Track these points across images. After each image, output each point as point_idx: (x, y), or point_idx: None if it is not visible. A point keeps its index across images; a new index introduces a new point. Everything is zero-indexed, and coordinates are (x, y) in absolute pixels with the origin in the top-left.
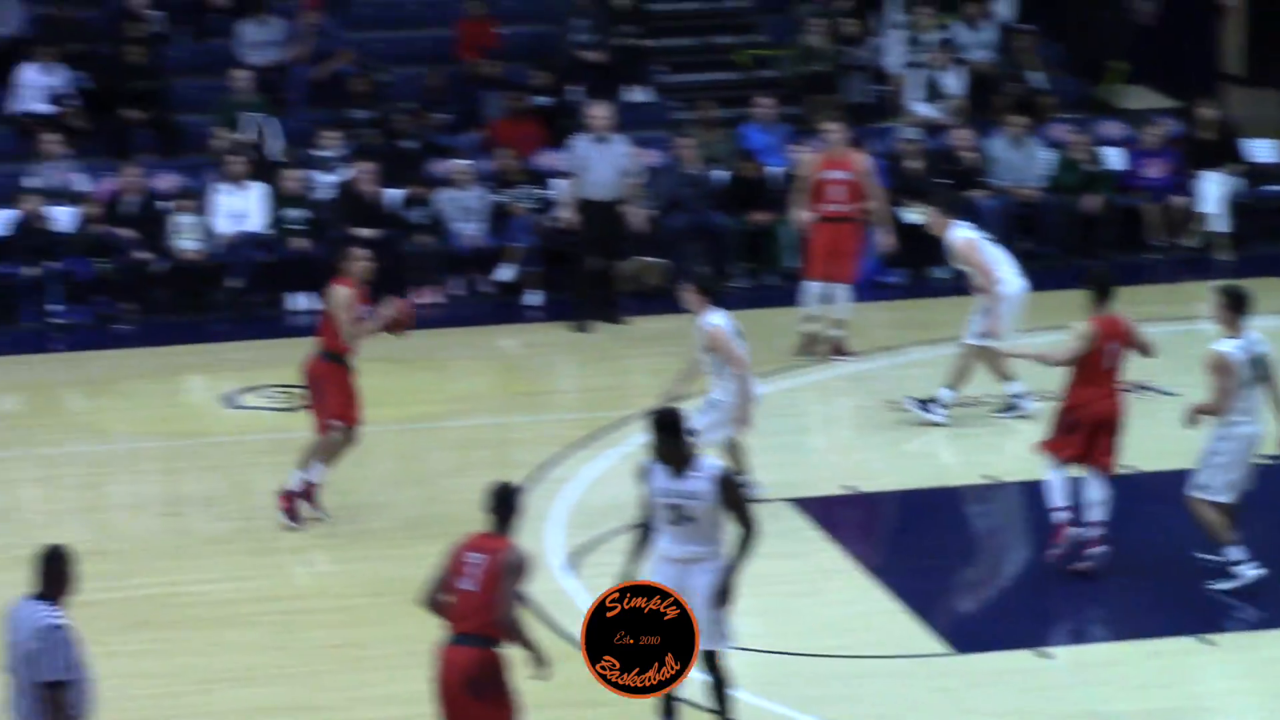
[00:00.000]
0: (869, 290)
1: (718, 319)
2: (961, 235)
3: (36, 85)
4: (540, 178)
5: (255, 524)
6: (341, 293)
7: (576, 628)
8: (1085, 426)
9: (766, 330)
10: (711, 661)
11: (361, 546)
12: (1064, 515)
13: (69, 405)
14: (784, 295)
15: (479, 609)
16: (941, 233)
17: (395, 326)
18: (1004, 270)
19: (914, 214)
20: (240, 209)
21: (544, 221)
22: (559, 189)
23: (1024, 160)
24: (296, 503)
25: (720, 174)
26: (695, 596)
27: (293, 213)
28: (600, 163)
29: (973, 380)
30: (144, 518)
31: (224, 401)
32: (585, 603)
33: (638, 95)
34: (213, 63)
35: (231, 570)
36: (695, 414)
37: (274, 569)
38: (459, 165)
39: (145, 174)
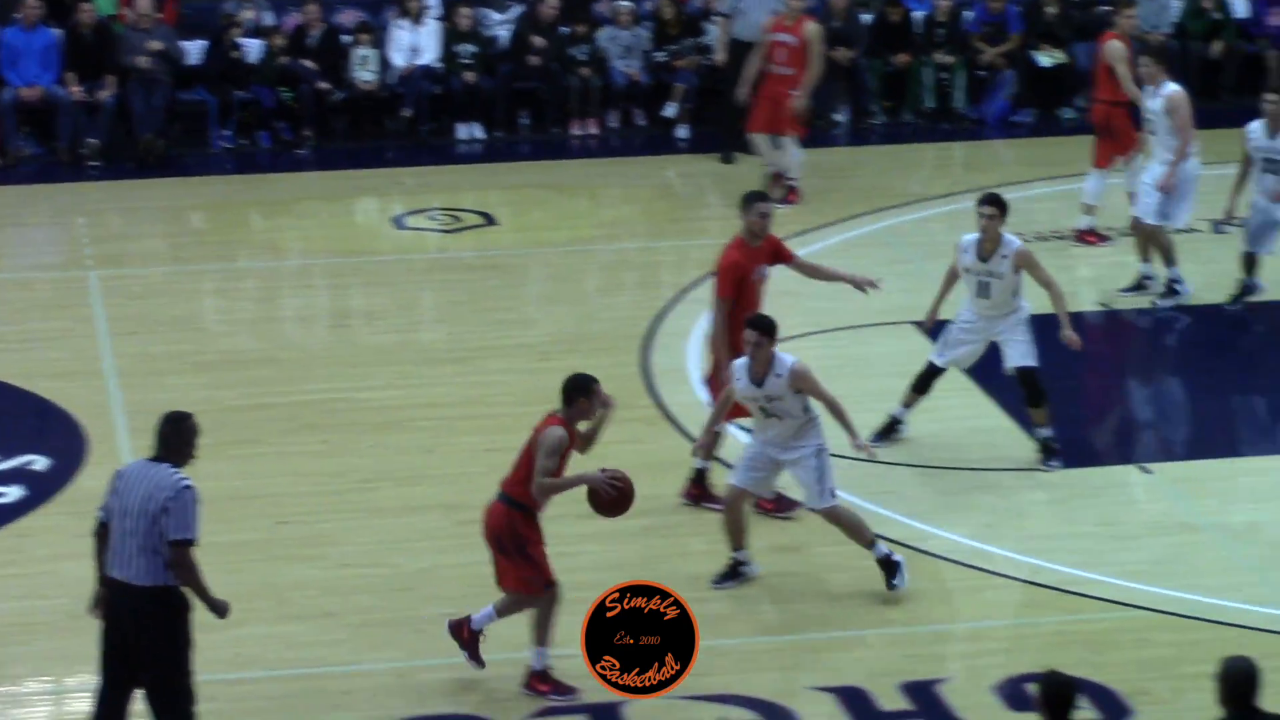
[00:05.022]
0: (1000, 129)
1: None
2: None
3: None
4: (696, 22)
5: (414, 336)
6: (552, 434)
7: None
8: None
9: (903, 164)
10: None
11: (513, 359)
12: None
13: (249, 224)
14: (920, 132)
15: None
16: None
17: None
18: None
19: (1046, 57)
20: (415, 44)
21: (699, 61)
22: (714, 31)
23: (1156, 7)
24: (541, 684)
25: (866, 18)
26: None
27: (464, 48)
28: (754, 7)
29: None
30: (313, 329)
31: (392, 223)
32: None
33: None
34: None
35: (393, 379)
36: None
37: (431, 379)
38: (621, 6)
39: (327, 9)
